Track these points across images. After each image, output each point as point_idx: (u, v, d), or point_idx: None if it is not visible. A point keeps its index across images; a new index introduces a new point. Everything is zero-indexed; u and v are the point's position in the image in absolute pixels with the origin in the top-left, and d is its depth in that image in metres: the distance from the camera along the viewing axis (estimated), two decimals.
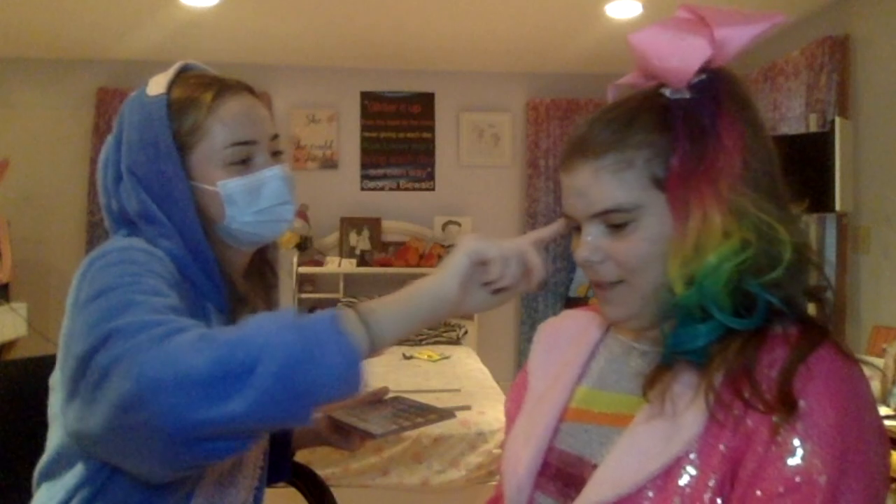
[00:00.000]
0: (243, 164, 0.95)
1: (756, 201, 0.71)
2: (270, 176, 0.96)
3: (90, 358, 0.70)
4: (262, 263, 1.10)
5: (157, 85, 0.95)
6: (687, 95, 0.75)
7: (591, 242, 0.78)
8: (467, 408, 2.90)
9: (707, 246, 0.70)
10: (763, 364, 0.68)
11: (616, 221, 0.75)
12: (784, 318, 0.72)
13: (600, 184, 0.75)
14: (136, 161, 0.92)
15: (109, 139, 0.97)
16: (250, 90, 1.00)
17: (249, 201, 0.95)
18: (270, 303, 1.09)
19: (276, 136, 1.00)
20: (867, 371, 0.71)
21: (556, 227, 0.87)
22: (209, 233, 0.93)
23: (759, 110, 0.76)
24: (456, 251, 0.80)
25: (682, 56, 0.74)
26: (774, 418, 0.65)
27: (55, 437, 0.88)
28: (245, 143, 0.95)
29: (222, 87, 0.96)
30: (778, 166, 0.76)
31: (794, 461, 0.63)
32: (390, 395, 1.12)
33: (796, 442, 0.64)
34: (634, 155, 0.74)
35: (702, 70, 0.75)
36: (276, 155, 0.99)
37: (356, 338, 0.72)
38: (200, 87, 0.95)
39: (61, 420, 0.86)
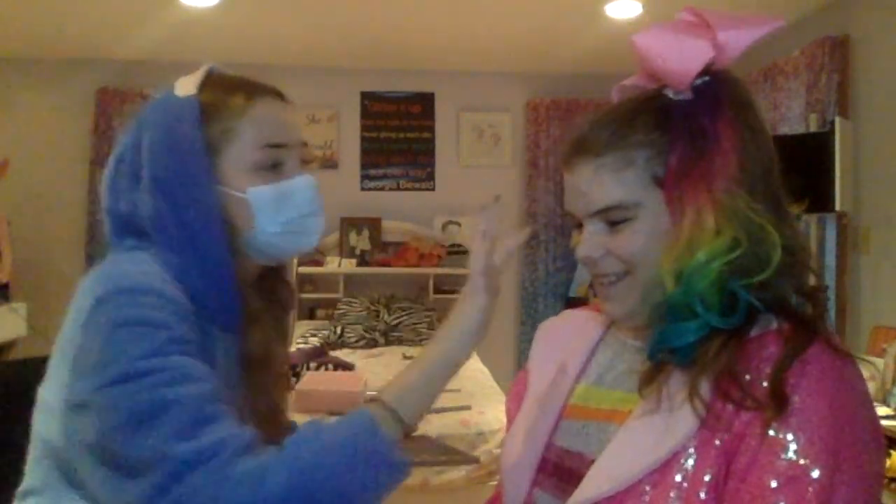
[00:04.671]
0: (273, 169, 0.91)
1: (749, 203, 0.72)
2: (301, 184, 0.93)
3: (146, 471, 0.71)
4: (278, 281, 1.04)
5: (185, 86, 0.91)
6: (689, 97, 0.75)
7: (591, 239, 0.79)
8: (467, 408, 2.90)
9: (698, 244, 0.71)
10: (754, 362, 0.69)
11: (615, 218, 0.77)
12: (776, 317, 0.72)
13: (601, 182, 0.77)
14: (161, 163, 0.87)
15: (125, 140, 0.93)
16: (281, 95, 0.97)
17: (278, 210, 0.91)
18: (281, 324, 1.03)
19: (305, 144, 0.96)
20: (865, 371, 0.71)
21: (517, 239, 0.90)
22: (231, 244, 0.89)
23: (759, 114, 0.77)
24: (469, 310, 0.85)
25: (684, 58, 0.75)
26: (767, 413, 0.65)
27: (45, 463, 0.83)
28: (277, 145, 0.91)
29: (255, 89, 0.93)
30: (776, 169, 0.77)
31: (786, 455, 0.64)
32: (417, 432, 1.10)
33: (789, 437, 0.64)
34: (635, 154, 0.75)
35: (704, 72, 0.75)
36: (305, 163, 0.96)
37: (395, 438, 0.78)
38: (232, 89, 0.92)
39: (54, 448, 0.82)
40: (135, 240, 0.90)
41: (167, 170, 0.87)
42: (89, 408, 0.75)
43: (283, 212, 0.91)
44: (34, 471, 0.85)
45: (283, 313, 1.03)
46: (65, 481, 0.82)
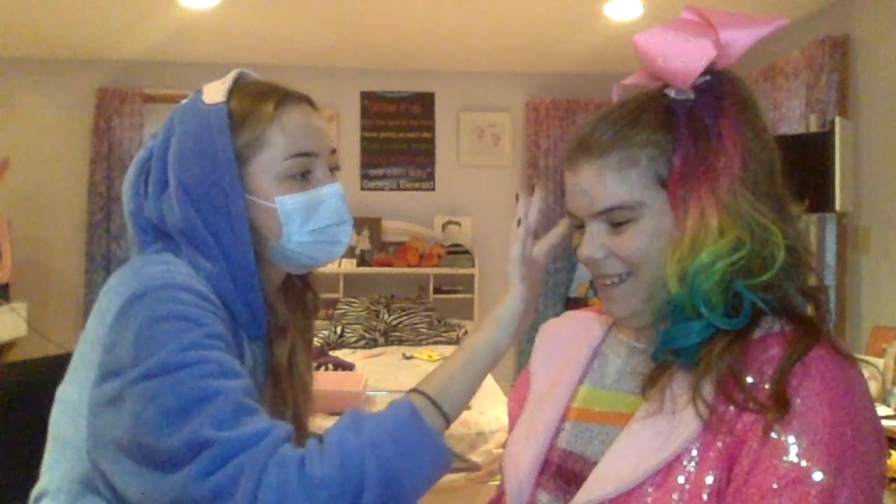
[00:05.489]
0: (302, 177, 0.90)
1: (753, 203, 0.72)
2: (329, 193, 0.92)
3: (184, 461, 0.70)
4: (305, 288, 1.03)
5: (214, 93, 0.90)
6: (691, 96, 0.75)
7: (594, 240, 0.78)
8: (467, 408, 2.90)
9: (703, 244, 0.71)
10: (756, 364, 0.69)
11: (618, 219, 0.76)
12: (778, 318, 0.72)
13: (604, 182, 0.76)
14: (189, 172, 0.86)
15: (151, 146, 0.92)
16: (310, 101, 0.96)
17: (306, 219, 0.90)
18: (307, 332, 1.03)
19: (334, 151, 0.95)
20: (865, 371, 0.71)
21: (561, 229, 0.89)
22: (258, 253, 0.88)
23: (761, 113, 0.77)
24: (509, 299, 0.85)
25: (686, 57, 0.74)
26: (769, 416, 0.65)
27: (63, 465, 0.82)
28: (305, 154, 0.90)
29: (284, 96, 0.92)
30: (779, 169, 0.76)
31: (788, 458, 0.64)
32: None
33: (791, 439, 0.64)
34: (638, 153, 0.75)
35: (706, 72, 0.75)
36: (333, 171, 0.96)
37: (437, 427, 0.78)
38: (261, 96, 0.91)
39: (74, 449, 0.80)
40: (162, 243, 0.89)
41: (195, 178, 0.86)
42: (124, 402, 0.73)
43: (311, 221, 0.90)
44: (51, 472, 0.83)
45: (308, 321, 1.03)
46: (83, 483, 0.80)
